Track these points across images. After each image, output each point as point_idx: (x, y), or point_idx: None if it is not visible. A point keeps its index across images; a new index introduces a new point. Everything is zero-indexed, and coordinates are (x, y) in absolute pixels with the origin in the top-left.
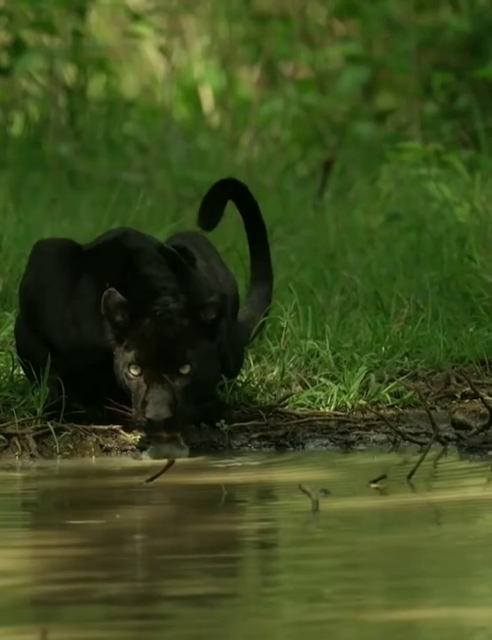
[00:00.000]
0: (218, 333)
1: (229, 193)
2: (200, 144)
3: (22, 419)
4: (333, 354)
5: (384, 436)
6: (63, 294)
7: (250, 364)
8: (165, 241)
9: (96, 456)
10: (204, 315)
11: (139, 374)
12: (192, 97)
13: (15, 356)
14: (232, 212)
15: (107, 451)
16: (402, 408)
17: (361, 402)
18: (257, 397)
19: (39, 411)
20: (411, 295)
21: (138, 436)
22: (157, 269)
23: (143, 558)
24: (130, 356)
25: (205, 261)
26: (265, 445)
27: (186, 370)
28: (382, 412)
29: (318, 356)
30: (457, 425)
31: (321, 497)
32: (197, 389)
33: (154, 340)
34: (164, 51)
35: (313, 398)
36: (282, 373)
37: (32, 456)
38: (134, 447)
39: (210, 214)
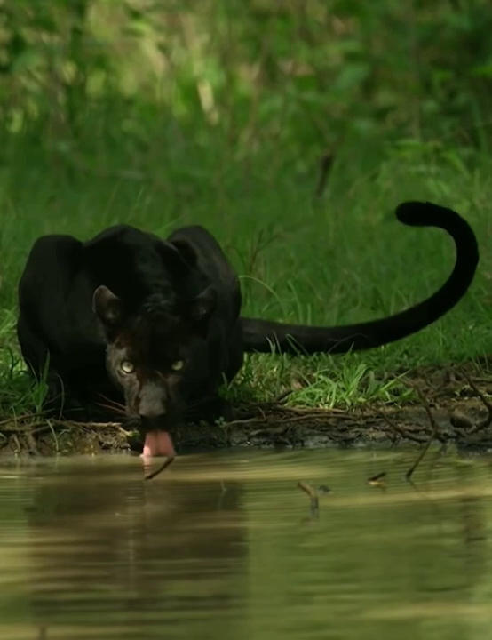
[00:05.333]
0: (208, 329)
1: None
2: (199, 141)
3: (21, 416)
4: (333, 351)
5: (383, 434)
6: (61, 291)
7: (249, 362)
8: (167, 236)
9: (95, 453)
10: (195, 311)
11: (132, 371)
12: (191, 94)
13: (15, 354)
14: (231, 209)
15: (107, 448)
16: (402, 405)
17: (361, 399)
18: (257, 395)
19: (38, 408)
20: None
21: (133, 434)
22: (151, 267)
23: (142, 556)
24: (122, 353)
25: (206, 258)
26: (264, 443)
27: (178, 366)
28: (381, 409)
29: (317, 353)
30: (457, 422)
31: (320, 494)
32: (190, 386)
33: (146, 337)
34: (164, 48)
35: (312, 395)
36: (282, 370)
37: (31, 453)
38: (131, 445)
39: (415, 214)
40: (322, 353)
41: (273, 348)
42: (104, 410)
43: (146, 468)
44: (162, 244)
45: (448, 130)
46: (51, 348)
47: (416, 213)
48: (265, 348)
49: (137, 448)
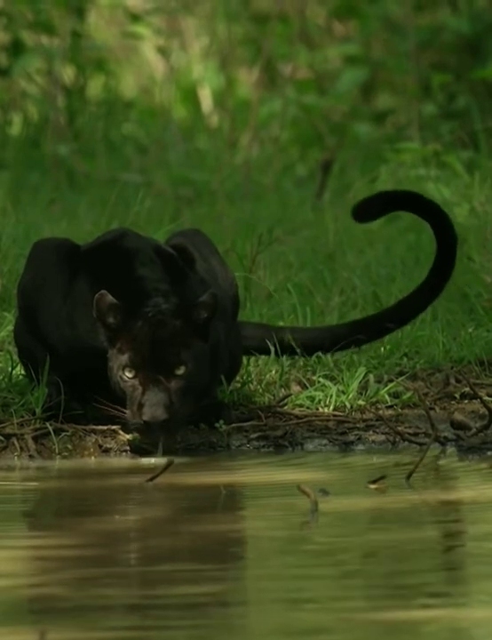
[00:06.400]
0: (210, 333)
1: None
2: (199, 144)
3: (21, 419)
4: (332, 354)
5: (383, 437)
6: (59, 294)
7: (249, 365)
8: (165, 240)
9: (95, 456)
10: (196, 314)
11: (134, 377)
12: (191, 97)
13: (15, 357)
14: (231, 212)
15: (107, 451)
16: (401, 408)
17: (360, 402)
18: (256, 398)
19: (38, 411)
20: None
21: (133, 437)
22: (151, 271)
23: (141, 559)
24: (124, 358)
25: (205, 261)
26: (263, 446)
27: (181, 371)
28: (381, 412)
29: (317, 356)
30: (456, 425)
31: (319, 497)
32: (193, 390)
33: (147, 343)
34: (163, 51)
35: (311, 398)
36: (281, 373)
37: (31, 456)
38: (131, 448)
39: (368, 211)
40: (322, 356)
41: (272, 350)
42: (104, 413)
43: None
44: (161, 248)
45: (447, 133)
46: (50, 352)
47: (371, 207)
48: (262, 351)
49: (136, 451)
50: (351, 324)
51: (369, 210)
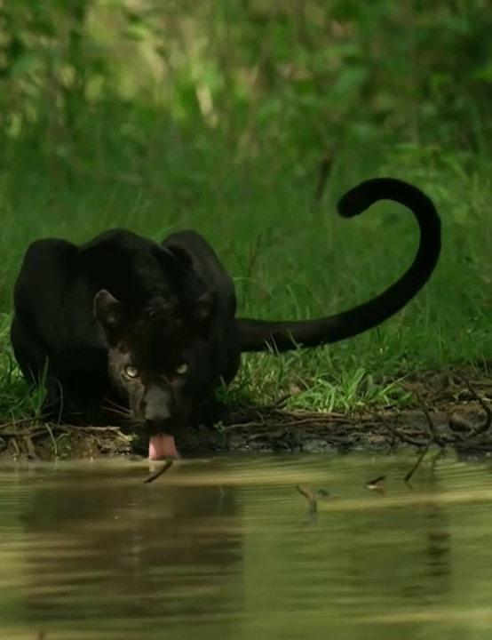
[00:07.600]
0: (211, 332)
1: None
2: (198, 145)
3: (20, 420)
4: (331, 355)
5: (382, 438)
6: (57, 295)
7: (248, 366)
8: (161, 241)
9: (94, 457)
10: (196, 313)
11: (136, 376)
12: (190, 98)
13: (14, 358)
14: (230, 213)
15: (106, 452)
16: (400, 409)
17: (359, 403)
18: (255, 399)
19: (37, 412)
20: None
21: (132, 438)
22: (150, 271)
23: (140, 560)
24: (125, 357)
25: (201, 262)
26: (262, 447)
27: (183, 369)
28: (380, 413)
29: (316, 357)
30: (455, 426)
31: (319, 498)
32: (194, 388)
33: (148, 342)
34: (162, 52)
35: (311, 400)
36: (280, 375)
37: (30, 457)
38: (131, 448)
39: (353, 203)
40: (321, 357)
41: (270, 349)
42: (107, 413)
43: (149, 471)
44: (159, 248)
45: (446, 134)
46: (48, 352)
47: (355, 200)
48: (258, 348)
49: (136, 452)
50: (344, 315)
51: (354, 202)
